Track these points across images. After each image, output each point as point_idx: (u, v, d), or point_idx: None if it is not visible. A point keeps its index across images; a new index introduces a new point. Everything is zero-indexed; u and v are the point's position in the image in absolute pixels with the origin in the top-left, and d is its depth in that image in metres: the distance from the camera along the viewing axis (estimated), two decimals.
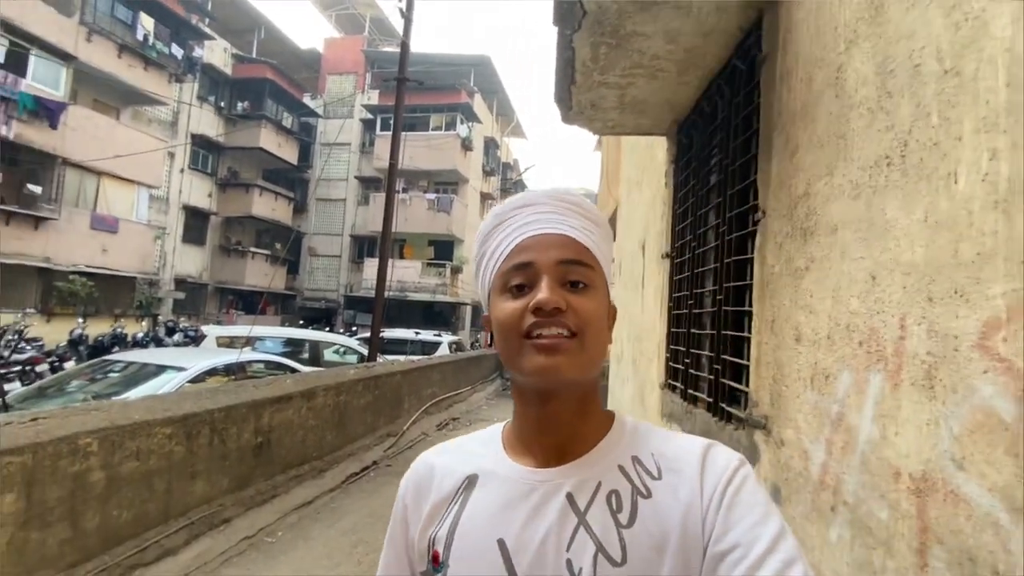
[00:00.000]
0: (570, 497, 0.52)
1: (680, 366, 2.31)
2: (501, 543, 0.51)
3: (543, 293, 0.51)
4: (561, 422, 0.55)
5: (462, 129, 21.10)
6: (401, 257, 20.48)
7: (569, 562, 0.49)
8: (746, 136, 1.71)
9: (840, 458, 1.04)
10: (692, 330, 2.17)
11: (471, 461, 0.60)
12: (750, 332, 1.54)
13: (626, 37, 1.82)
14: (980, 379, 0.73)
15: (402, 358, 9.46)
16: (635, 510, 0.51)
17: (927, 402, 0.83)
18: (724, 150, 1.89)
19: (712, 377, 1.84)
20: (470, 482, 0.57)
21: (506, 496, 0.54)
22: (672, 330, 2.57)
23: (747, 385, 1.55)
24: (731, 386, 1.72)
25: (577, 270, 0.54)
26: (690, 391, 2.15)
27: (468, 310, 22.82)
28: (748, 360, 1.56)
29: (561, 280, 0.53)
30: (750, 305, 1.55)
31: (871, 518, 0.94)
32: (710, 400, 1.87)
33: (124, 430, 2.91)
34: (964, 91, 0.79)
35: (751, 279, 1.56)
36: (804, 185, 1.25)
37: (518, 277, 0.54)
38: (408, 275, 20.03)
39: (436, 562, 0.55)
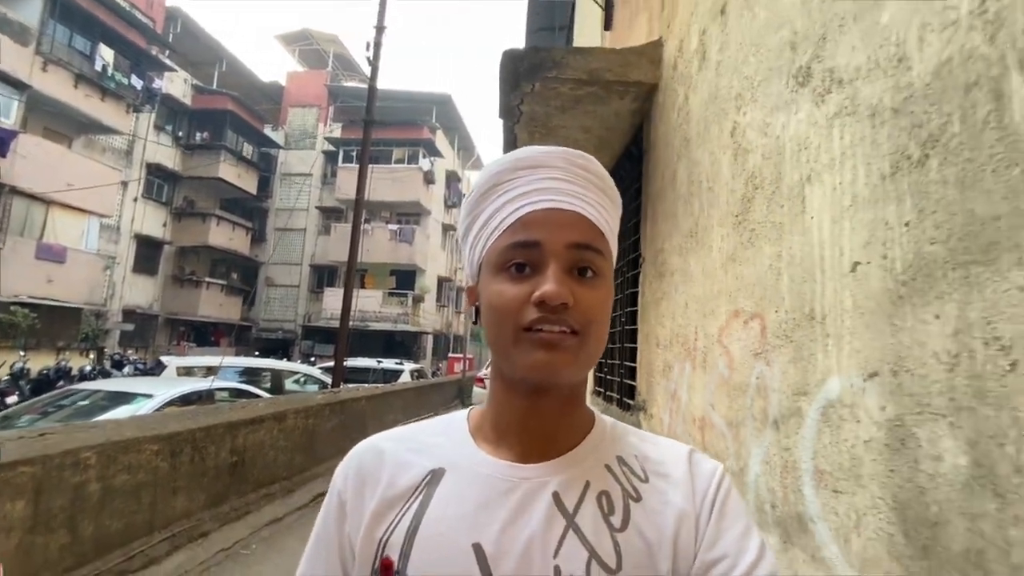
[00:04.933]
0: (556, 497, 0.48)
1: (601, 375, 2.93)
2: (477, 548, 0.45)
3: (549, 285, 0.45)
4: (548, 416, 0.51)
5: (424, 163, 21.79)
6: (363, 287, 20.61)
7: (557, 568, 0.45)
8: (636, 203, 2.38)
9: (674, 417, 1.65)
10: (609, 345, 2.80)
11: (433, 452, 0.53)
12: (636, 343, 2.16)
13: (553, 128, 2.48)
14: (719, 360, 1.35)
15: (365, 386, 9.72)
16: (627, 513, 0.48)
17: (704, 375, 1.45)
18: (625, 211, 2.55)
19: (618, 379, 2.45)
20: (434, 476, 0.51)
21: (481, 494, 0.48)
22: None
23: (635, 381, 2.17)
24: (629, 384, 2.33)
25: (588, 256, 0.49)
26: (608, 392, 2.76)
27: (429, 339, 23.05)
28: (636, 363, 2.18)
29: (569, 267, 0.48)
30: (635, 324, 2.18)
31: None
32: (618, 397, 2.48)
33: (119, 445, 3.22)
34: (717, 199, 1.44)
35: (638, 305, 2.19)
36: (660, 242, 1.90)
37: (520, 256, 0.48)
38: (370, 304, 20.15)
39: (388, 571, 0.47)
